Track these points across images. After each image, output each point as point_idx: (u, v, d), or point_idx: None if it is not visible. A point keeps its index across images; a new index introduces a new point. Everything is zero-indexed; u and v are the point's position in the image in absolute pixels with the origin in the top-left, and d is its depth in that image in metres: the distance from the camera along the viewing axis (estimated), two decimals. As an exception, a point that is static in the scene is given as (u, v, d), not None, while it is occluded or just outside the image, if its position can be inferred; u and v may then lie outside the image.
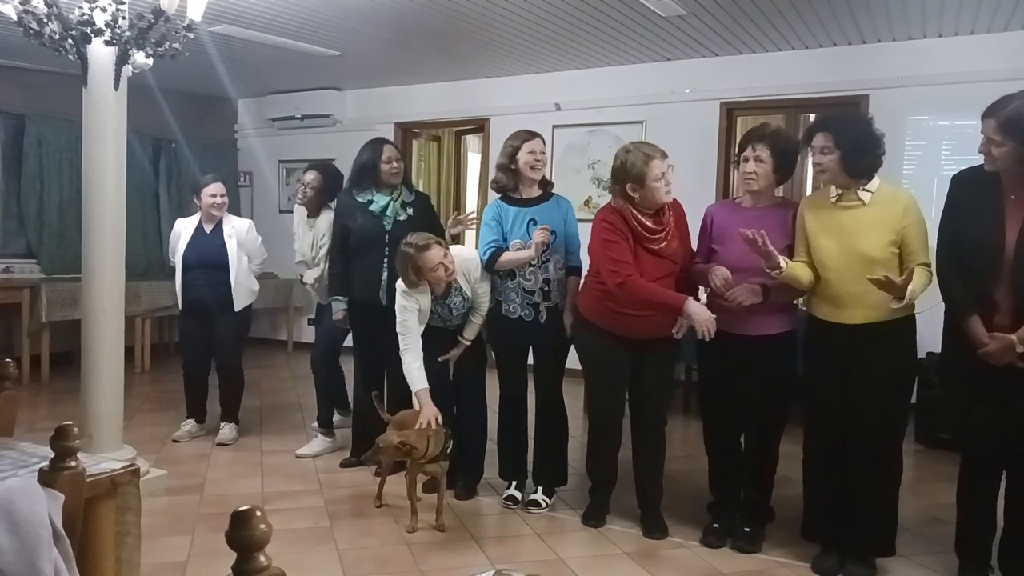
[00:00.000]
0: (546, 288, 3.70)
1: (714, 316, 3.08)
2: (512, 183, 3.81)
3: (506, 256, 3.68)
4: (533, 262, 3.67)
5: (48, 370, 6.40)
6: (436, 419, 3.49)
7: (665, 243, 3.31)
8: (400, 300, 3.68)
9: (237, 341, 4.92)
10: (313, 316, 4.92)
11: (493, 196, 3.97)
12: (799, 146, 3.29)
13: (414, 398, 3.59)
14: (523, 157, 3.74)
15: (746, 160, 3.24)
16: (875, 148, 2.94)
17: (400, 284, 3.66)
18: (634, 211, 3.29)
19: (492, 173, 3.97)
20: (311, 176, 4.66)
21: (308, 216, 4.72)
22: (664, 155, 3.28)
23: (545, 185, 3.85)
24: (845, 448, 3.03)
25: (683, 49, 6.03)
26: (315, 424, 4.80)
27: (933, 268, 2.92)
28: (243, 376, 4.97)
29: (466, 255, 3.78)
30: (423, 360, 3.63)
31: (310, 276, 4.71)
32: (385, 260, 4.10)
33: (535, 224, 3.70)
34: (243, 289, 4.78)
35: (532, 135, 3.79)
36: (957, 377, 2.95)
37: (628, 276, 3.21)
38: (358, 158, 4.26)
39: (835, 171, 2.94)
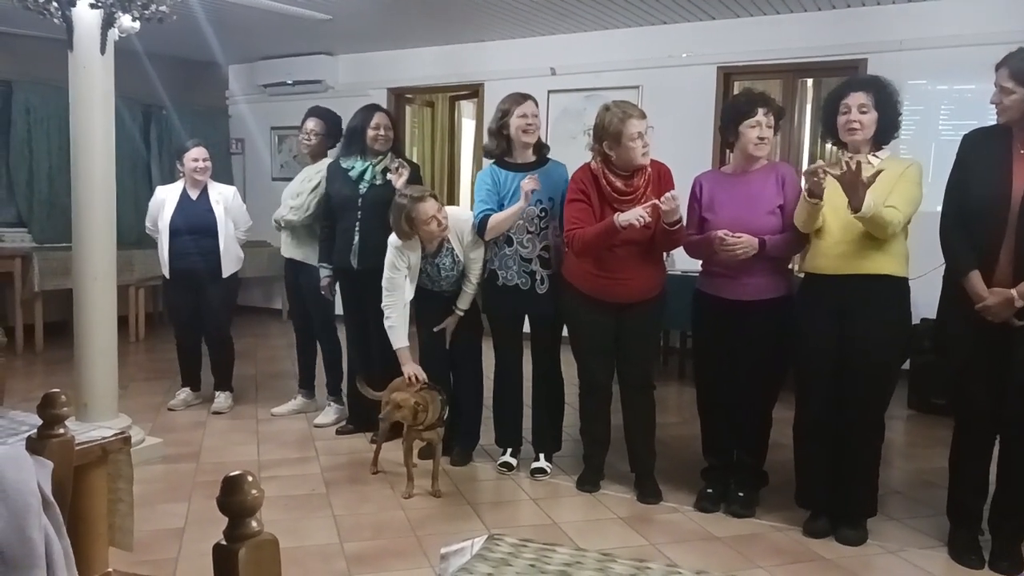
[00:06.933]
0: (545, 255, 3.63)
1: (644, 212, 3.11)
2: (503, 149, 3.69)
3: (496, 217, 3.58)
4: (531, 229, 3.60)
5: (42, 339, 6.37)
6: (417, 375, 3.54)
7: (636, 206, 3.28)
8: (390, 255, 3.66)
9: (225, 309, 4.89)
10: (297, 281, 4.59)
11: (487, 163, 3.90)
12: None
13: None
14: (515, 122, 3.61)
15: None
16: (899, 115, 2.98)
17: (392, 239, 3.64)
18: (606, 171, 3.33)
19: (485, 139, 3.86)
20: (312, 123, 4.50)
21: (312, 163, 4.54)
22: (643, 115, 3.28)
23: (540, 149, 3.75)
24: (836, 414, 3.04)
25: (680, 12, 5.94)
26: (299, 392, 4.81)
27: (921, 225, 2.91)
28: (233, 344, 4.95)
29: (461, 215, 3.74)
30: (419, 331, 3.60)
31: (285, 209, 4.46)
32: (357, 223, 4.06)
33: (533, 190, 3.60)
34: (231, 256, 4.73)
35: (524, 98, 3.65)
36: (953, 341, 2.95)
37: (571, 230, 3.31)
38: (349, 124, 4.22)
39: (870, 131, 2.94)
